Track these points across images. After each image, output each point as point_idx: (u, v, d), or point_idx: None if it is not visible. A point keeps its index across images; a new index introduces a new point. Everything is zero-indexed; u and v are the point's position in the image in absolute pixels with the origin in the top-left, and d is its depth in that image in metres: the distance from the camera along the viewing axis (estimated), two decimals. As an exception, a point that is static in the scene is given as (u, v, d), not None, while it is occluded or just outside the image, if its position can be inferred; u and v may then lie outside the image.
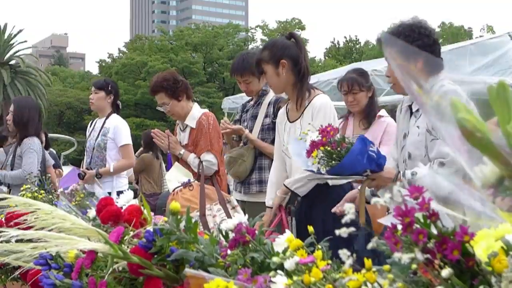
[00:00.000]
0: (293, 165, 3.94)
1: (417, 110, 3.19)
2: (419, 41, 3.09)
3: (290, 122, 4.06)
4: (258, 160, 4.68)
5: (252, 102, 5.01)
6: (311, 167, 3.05)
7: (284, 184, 3.96)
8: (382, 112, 4.89)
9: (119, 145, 5.87)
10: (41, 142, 6.20)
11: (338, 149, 2.94)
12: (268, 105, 4.77)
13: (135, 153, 8.37)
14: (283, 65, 3.94)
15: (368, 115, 4.82)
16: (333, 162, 2.95)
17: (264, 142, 4.65)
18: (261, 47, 4.49)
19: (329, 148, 2.94)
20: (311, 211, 3.90)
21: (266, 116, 4.73)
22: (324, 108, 3.88)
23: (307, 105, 3.95)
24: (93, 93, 6.03)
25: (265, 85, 4.85)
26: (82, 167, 5.98)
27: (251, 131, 4.80)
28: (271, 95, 4.83)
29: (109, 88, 5.98)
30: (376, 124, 4.80)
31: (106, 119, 5.95)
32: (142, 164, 9.82)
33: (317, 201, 3.93)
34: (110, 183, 5.80)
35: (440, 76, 3.05)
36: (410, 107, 3.27)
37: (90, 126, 6.17)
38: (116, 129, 5.87)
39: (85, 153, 6.03)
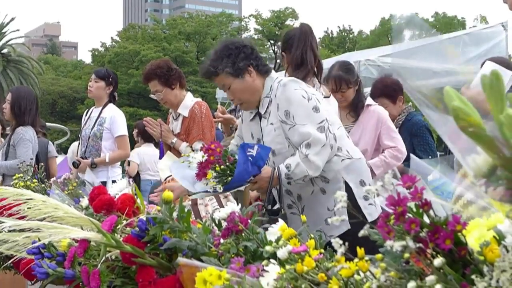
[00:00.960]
0: None
1: (265, 112, 3.26)
2: (241, 54, 3.21)
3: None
4: None
5: None
6: (205, 188, 3.03)
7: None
8: (369, 100, 4.83)
9: (115, 136, 5.83)
10: (37, 133, 6.17)
11: (228, 164, 2.94)
12: None
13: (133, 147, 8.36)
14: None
15: (356, 106, 4.76)
16: (229, 178, 2.94)
17: None
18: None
19: (222, 166, 2.93)
20: None
21: None
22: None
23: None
24: (92, 81, 5.96)
25: None
26: (77, 156, 5.95)
27: None
28: None
29: (110, 79, 5.95)
30: (365, 114, 4.75)
31: (102, 108, 5.90)
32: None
33: None
34: (105, 172, 5.76)
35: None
36: (257, 113, 3.33)
37: (86, 115, 6.13)
38: (113, 119, 5.83)
39: (80, 141, 6.01)
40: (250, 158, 3.00)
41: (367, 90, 9.71)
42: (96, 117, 5.87)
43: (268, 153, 3.12)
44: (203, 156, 2.97)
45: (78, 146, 6.07)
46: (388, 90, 5.11)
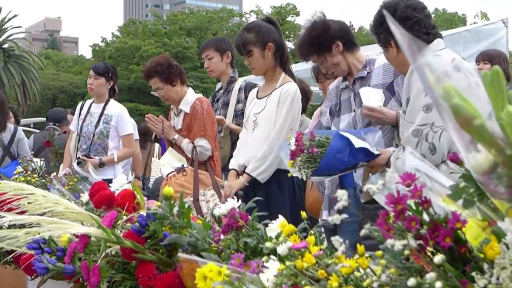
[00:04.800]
0: (249, 142, 4.17)
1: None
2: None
3: (258, 98, 4.24)
4: (235, 146, 4.71)
5: (222, 91, 5.20)
6: (296, 173, 3.09)
7: (246, 172, 4.10)
8: None
9: (122, 134, 5.81)
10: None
11: (319, 152, 2.95)
12: (239, 91, 4.99)
13: None
14: (269, 48, 4.12)
15: None
16: (314, 166, 2.96)
17: (240, 127, 4.71)
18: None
19: (307, 155, 2.95)
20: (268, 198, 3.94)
21: (238, 102, 4.93)
22: (292, 98, 4.04)
23: (277, 87, 4.13)
24: (92, 78, 5.88)
25: (233, 72, 5.13)
26: (75, 153, 5.82)
27: (224, 118, 4.97)
28: (240, 82, 5.08)
29: (110, 74, 5.89)
30: None
31: (105, 105, 5.85)
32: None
33: (272, 187, 4.09)
34: (111, 170, 5.70)
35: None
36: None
37: (81, 109, 6.01)
38: (120, 118, 5.80)
39: (79, 138, 5.87)
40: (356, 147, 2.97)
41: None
42: (99, 114, 5.80)
43: (379, 136, 3.14)
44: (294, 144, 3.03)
45: (78, 142, 5.90)
46: None
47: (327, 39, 3.55)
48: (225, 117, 4.96)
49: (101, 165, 5.64)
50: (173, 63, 4.89)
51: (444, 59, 2.87)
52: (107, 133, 5.74)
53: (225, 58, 5.06)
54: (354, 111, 3.54)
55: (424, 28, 3.06)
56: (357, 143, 2.99)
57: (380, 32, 3.14)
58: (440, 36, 3.13)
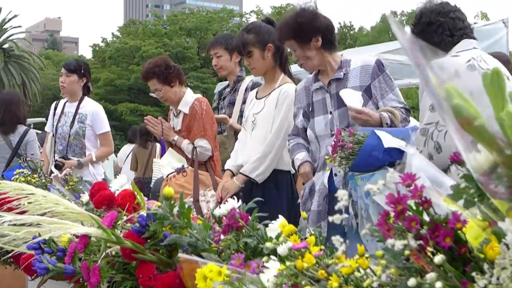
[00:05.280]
0: (248, 142, 4.16)
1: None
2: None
3: (257, 99, 4.24)
4: None
5: (228, 89, 5.16)
6: (335, 168, 3.18)
7: (241, 172, 4.09)
8: None
9: (98, 133, 5.65)
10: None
11: (356, 149, 2.96)
12: (245, 91, 4.93)
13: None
14: (269, 49, 4.13)
15: None
16: (351, 162, 2.98)
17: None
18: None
19: (346, 151, 2.97)
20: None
21: (244, 102, 4.84)
22: (291, 98, 3.99)
23: (276, 88, 4.14)
24: (64, 76, 5.70)
25: (241, 71, 5.09)
26: (52, 155, 5.65)
27: (229, 117, 4.95)
28: (247, 81, 5.03)
29: (82, 71, 5.69)
30: None
31: (79, 103, 5.66)
32: (135, 161, 9.84)
33: (269, 187, 4.08)
34: (88, 170, 5.52)
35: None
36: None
37: (55, 109, 5.82)
38: (95, 116, 5.64)
39: (54, 139, 5.67)
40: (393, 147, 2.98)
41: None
42: (73, 114, 5.63)
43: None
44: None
45: (54, 144, 5.70)
46: None
47: (310, 30, 3.52)
48: (230, 117, 4.93)
49: (80, 166, 5.46)
50: (171, 64, 4.87)
51: (459, 59, 2.94)
52: (83, 133, 5.57)
53: (234, 57, 5.00)
54: (330, 113, 3.51)
55: (448, 31, 3.18)
56: (388, 142, 2.97)
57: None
58: (470, 37, 3.23)
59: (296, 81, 4.30)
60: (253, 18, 52.36)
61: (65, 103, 5.78)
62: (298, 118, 3.72)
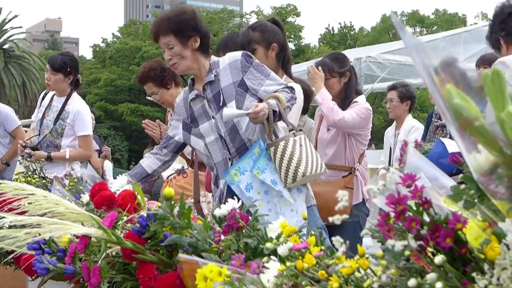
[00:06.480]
0: None
1: None
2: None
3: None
4: None
5: None
6: None
7: None
8: (360, 98, 4.64)
9: (78, 134, 5.33)
10: None
11: None
12: None
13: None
14: (273, 49, 4.05)
15: (343, 101, 4.59)
16: None
17: None
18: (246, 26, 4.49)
19: None
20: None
21: None
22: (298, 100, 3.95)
23: None
24: (49, 73, 5.36)
25: None
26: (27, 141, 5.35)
27: None
28: None
29: (68, 69, 5.34)
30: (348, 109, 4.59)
31: (66, 99, 5.37)
32: None
33: None
34: (62, 167, 5.12)
35: None
36: None
37: (43, 99, 5.54)
38: (78, 116, 5.33)
39: (36, 128, 5.39)
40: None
41: (367, 87, 9.71)
42: (59, 109, 5.36)
43: None
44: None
45: (38, 134, 5.38)
46: None
47: (191, 28, 3.43)
48: None
49: (49, 158, 5.16)
50: (165, 66, 4.79)
51: None
52: (62, 131, 5.29)
53: None
54: (213, 117, 3.44)
55: None
56: (452, 147, 3.00)
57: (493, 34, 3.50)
58: None
59: (297, 81, 4.28)
60: (253, 19, 52.38)
61: (53, 96, 5.49)
62: (177, 130, 3.63)
